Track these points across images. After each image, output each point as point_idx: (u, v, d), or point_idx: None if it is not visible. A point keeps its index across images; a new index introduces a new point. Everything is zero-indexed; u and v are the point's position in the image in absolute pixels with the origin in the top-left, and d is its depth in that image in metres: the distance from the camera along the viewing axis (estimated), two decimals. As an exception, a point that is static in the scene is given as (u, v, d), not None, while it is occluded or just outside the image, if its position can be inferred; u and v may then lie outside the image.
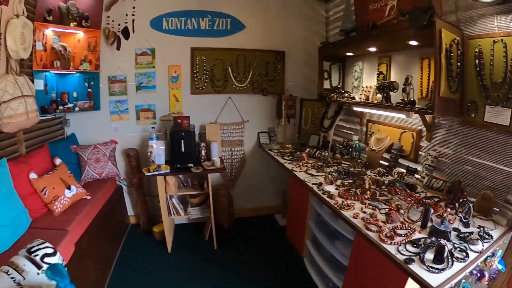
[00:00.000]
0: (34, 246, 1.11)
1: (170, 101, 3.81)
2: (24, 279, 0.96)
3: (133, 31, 3.57)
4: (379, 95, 2.80)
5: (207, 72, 3.81)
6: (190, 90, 3.83)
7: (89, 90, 3.54)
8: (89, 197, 3.05)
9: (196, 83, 3.80)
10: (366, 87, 3.13)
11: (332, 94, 3.46)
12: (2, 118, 2.46)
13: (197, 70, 3.78)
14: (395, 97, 2.65)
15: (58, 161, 3.12)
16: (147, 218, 3.82)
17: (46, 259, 1.07)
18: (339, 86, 3.73)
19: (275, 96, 4.02)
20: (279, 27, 3.97)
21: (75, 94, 3.51)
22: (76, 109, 3.43)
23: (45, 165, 3.04)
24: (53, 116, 3.42)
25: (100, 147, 3.51)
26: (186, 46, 3.76)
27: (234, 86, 3.89)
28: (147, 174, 3.19)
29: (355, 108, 3.23)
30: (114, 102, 3.73)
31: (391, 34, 2.42)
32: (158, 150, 3.39)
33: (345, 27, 3.09)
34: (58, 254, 1.13)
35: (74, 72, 3.44)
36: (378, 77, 3.03)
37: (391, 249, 1.58)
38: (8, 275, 0.94)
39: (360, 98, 3.17)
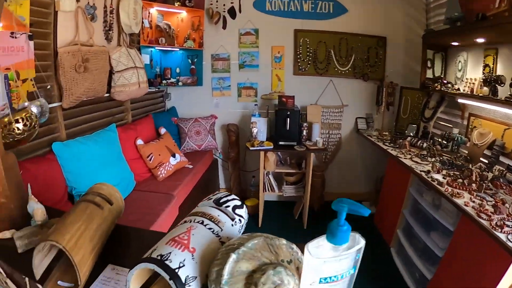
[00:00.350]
0: (221, 198, 1.14)
1: (272, 81, 4.54)
2: (222, 230, 1.02)
3: (240, 11, 4.29)
4: (485, 88, 3.07)
5: (310, 54, 4.44)
6: (293, 71, 4.51)
7: (192, 66, 4.35)
8: (191, 166, 3.81)
9: (299, 64, 4.46)
10: (470, 79, 3.41)
11: (436, 84, 3.84)
12: (115, 87, 3.20)
13: (300, 51, 4.43)
14: (501, 92, 2.90)
15: (163, 130, 3.91)
16: (239, 192, 4.62)
17: (237, 211, 1.14)
18: (441, 76, 4.05)
19: (376, 82, 4.54)
20: (380, 12, 4.43)
21: (178, 70, 4.33)
22: (180, 83, 4.26)
23: (150, 134, 3.81)
24: (157, 89, 4.30)
25: (200, 121, 4.33)
26: (290, 28, 4.41)
27: (336, 69, 4.48)
28: (251, 148, 3.89)
29: (460, 100, 3.55)
30: (217, 78, 4.54)
31: (502, 27, 2.60)
32: (261, 126, 4.12)
33: (451, 15, 3.30)
34: (244, 206, 1.18)
35: (178, 49, 4.26)
36: (483, 69, 3.26)
37: (502, 237, 1.91)
38: (205, 225, 0.99)
39: (463, 90, 3.49)
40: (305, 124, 4.21)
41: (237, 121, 4.66)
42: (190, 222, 0.98)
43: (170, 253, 0.83)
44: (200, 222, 0.98)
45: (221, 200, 1.12)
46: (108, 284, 1.04)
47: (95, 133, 3.02)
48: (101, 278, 1.07)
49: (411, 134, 4.25)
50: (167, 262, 0.80)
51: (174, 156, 3.69)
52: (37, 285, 1.04)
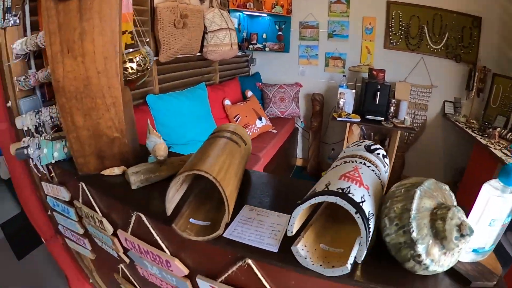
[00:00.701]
0: (370, 145, 1.20)
1: (361, 53, 4.82)
2: (380, 174, 1.08)
3: (332, -21, 4.54)
4: None
5: (402, 28, 4.62)
6: (383, 44, 4.73)
7: (280, 33, 4.74)
8: (275, 131, 4.21)
9: (390, 37, 4.68)
10: None
11: (531, 74, 3.86)
12: (208, 46, 3.56)
13: (392, 24, 4.63)
14: None
15: (249, 93, 4.32)
16: (316, 163, 5.05)
17: (385, 160, 1.20)
18: (537, 65, 4.07)
19: (468, 64, 4.63)
20: (476, -11, 4.43)
21: (264, 36, 4.75)
22: (266, 49, 4.68)
23: (236, 95, 4.22)
24: (243, 53, 4.72)
25: (285, 87, 4.74)
26: (382, -1, 4.60)
27: (428, 46, 4.62)
28: (338, 119, 4.27)
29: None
30: (304, 46, 4.91)
31: None
32: (348, 98, 4.46)
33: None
34: (387, 158, 1.23)
35: (265, 15, 4.63)
36: None
37: None
38: (368, 167, 1.04)
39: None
40: (393, 100, 4.45)
41: (322, 91, 5.01)
42: (352, 162, 1.05)
43: (349, 187, 0.86)
44: (362, 163, 1.05)
45: (371, 147, 1.19)
46: (250, 224, 1.08)
47: (187, 89, 3.44)
48: (240, 218, 1.12)
49: (499, 126, 4.23)
50: (350, 195, 0.83)
51: (260, 119, 4.09)
52: (143, 219, 1.17)
